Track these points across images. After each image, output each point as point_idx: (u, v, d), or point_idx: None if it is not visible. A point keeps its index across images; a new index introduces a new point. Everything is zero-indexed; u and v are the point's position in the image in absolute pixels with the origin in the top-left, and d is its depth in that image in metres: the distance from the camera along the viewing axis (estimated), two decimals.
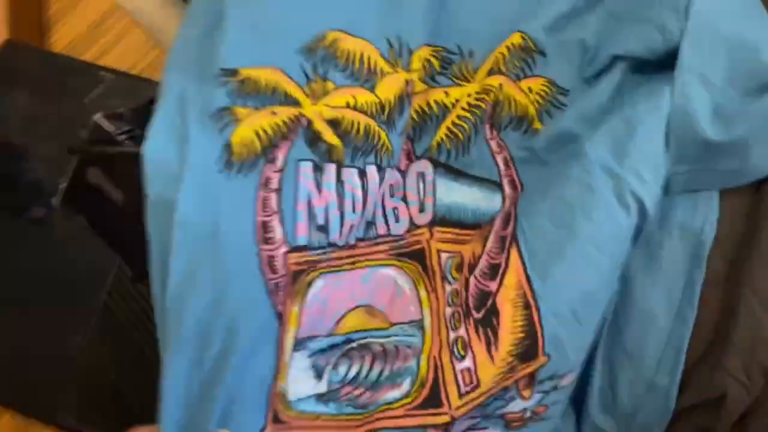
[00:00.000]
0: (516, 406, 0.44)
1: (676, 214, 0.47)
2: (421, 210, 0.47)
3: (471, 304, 0.44)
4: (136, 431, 0.40)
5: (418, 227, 0.46)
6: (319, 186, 0.44)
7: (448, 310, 0.44)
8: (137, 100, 0.48)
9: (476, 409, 0.43)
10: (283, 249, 0.43)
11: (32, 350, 0.55)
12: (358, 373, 0.42)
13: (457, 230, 0.46)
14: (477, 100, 0.48)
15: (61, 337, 0.54)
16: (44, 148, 0.55)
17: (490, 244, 0.45)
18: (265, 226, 0.43)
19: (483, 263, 0.45)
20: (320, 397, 0.42)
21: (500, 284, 0.43)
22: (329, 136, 0.46)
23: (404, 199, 0.47)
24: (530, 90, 0.49)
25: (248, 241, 0.42)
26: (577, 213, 0.43)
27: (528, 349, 0.42)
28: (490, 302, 0.43)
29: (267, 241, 0.43)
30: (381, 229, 0.46)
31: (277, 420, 0.42)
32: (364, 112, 0.47)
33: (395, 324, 0.44)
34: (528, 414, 0.45)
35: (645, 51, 0.46)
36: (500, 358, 0.42)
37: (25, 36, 0.60)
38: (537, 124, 0.48)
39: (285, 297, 0.42)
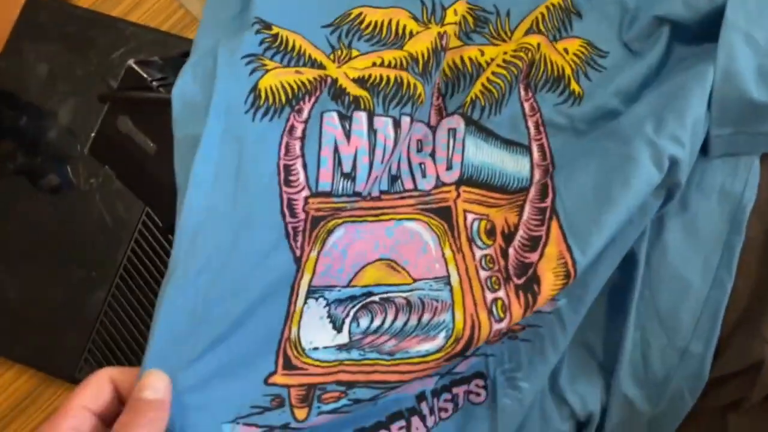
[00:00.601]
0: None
1: (715, 178, 0.46)
2: (449, 168, 0.46)
3: (512, 272, 0.43)
4: (105, 371, 0.39)
5: (445, 185, 0.46)
6: (348, 134, 0.44)
7: (483, 273, 0.43)
8: (170, 52, 0.48)
9: None
10: (305, 193, 0.43)
11: (54, 310, 0.54)
12: (381, 325, 0.42)
13: (483, 191, 0.46)
14: (513, 57, 0.47)
15: (83, 296, 0.53)
16: (67, 109, 0.55)
17: (527, 214, 0.44)
18: (288, 169, 0.43)
19: (522, 234, 0.44)
20: (342, 347, 0.42)
21: (541, 255, 0.42)
22: (355, 90, 0.46)
23: (432, 155, 0.46)
24: (567, 51, 0.48)
25: (271, 183, 0.42)
26: (616, 183, 0.42)
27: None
28: (531, 271, 0.42)
29: (289, 183, 0.43)
30: (408, 184, 0.46)
31: (290, 366, 0.41)
32: (394, 67, 0.46)
33: (419, 279, 0.43)
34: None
35: (687, 11, 0.45)
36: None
37: None
38: (574, 85, 0.48)
39: (303, 242, 0.42)
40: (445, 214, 0.45)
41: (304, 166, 0.43)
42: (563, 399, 0.46)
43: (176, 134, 0.44)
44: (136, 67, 0.43)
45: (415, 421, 0.43)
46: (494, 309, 0.42)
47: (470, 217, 0.45)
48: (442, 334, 0.41)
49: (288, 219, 0.42)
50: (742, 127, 0.45)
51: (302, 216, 0.42)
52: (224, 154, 0.43)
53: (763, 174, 0.47)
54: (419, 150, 0.46)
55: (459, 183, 0.46)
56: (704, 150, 0.46)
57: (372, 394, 0.41)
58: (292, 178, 0.43)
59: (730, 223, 0.45)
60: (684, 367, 0.46)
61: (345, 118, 0.44)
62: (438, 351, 0.41)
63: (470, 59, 0.48)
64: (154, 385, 0.38)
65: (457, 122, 0.47)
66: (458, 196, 0.45)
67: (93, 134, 0.46)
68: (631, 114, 0.44)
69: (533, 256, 0.43)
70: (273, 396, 0.41)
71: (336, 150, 0.44)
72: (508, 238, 0.44)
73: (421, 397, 0.43)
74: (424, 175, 0.46)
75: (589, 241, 0.41)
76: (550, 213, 0.43)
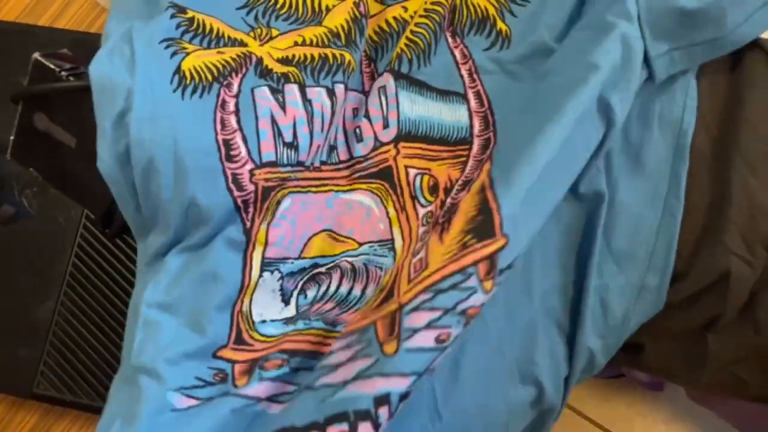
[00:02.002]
0: (477, 300, 0.38)
1: (653, 107, 0.45)
2: (386, 126, 0.45)
3: (439, 217, 0.41)
4: None
5: (383, 144, 0.45)
6: (282, 105, 0.43)
7: (422, 230, 0.43)
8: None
9: (429, 293, 0.37)
10: (249, 166, 0.41)
11: (2, 326, 0.52)
12: (326, 291, 0.41)
13: (423, 144, 0.45)
14: (434, 4, 0.47)
15: (32, 308, 0.51)
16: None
17: (468, 168, 0.44)
18: (228, 144, 0.41)
19: (461, 182, 0.43)
20: (288, 320, 0.41)
21: (468, 190, 0.41)
22: (281, 68, 0.44)
23: (367, 116, 0.45)
24: None
25: (212, 160, 0.41)
26: (548, 107, 0.40)
27: (483, 225, 0.37)
28: (455, 208, 0.40)
29: (231, 159, 0.41)
30: (343, 155, 0.45)
31: (240, 340, 0.40)
32: (316, 45, 0.46)
33: (364, 243, 0.42)
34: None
35: None
36: (450, 237, 0.38)
37: None
38: (500, 24, 0.47)
39: (254, 213, 0.41)
40: (385, 174, 0.44)
41: (244, 139, 0.42)
42: (532, 377, 0.44)
43: (99, 120, 0.42)
44: (42, 60, 0.42)
45: (365, 427, 0.36)
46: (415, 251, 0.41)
47: (412, 172, 0.44)
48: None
49: (236, 193, 0.41)
50: (677, 40, 0.44)
51: (251, 188, 0.41)
52: (157, 135, 0.41)
53: (703, 86, 0.46)
54: (355, 116, 0.46)
55: (397, 140, 0.45)
56: (648, 79, 0.45)
57: (310, 364, 0.40)
58: (233, 152, 0.41)
59: (674, 150, 0.45)
60: (641, 303, 0.45)
61: (277, 92, 0.43)
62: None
63: (395, 18, 0.48)
64: None
65: (386, 79, 0.46)
66: (398, 153, 0.44)
67: (12, 137, 0.44)
68: (564, 52, 0.44)
69: (462, 194, 0.41)
70: (217, 370, 0.40)
71: (273, 121, 0.43)
72: (449, 191, 0.44)
73: (382, 400, 0.36)
74: (360, 140, 0.45)
75: (511, 160, 0.39)
76: (486, 159, 0.42)
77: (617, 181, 0.45)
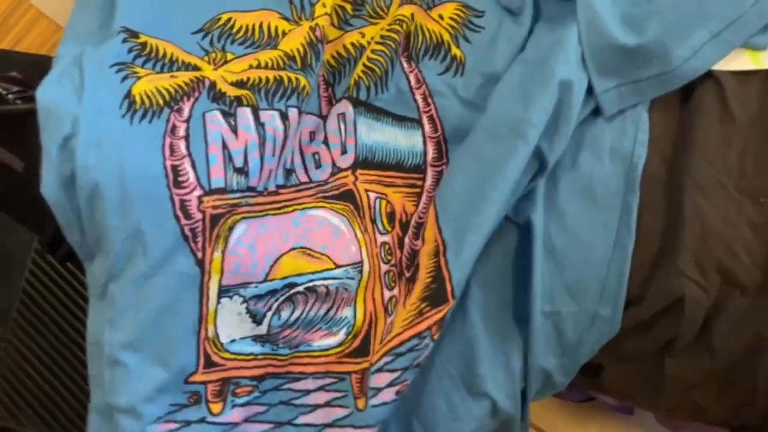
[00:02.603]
0: (428, 350, 0.43)
1: (604, 140, 0.46)
2: (343, 152, 0.45)
3: (404, 264, 0.44)
4: None
5: (341, 170, 0.45)
6: (234, 129, 0.43)
7: (383, 267, 0.44)
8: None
9: (390, 357, 0.42)
10: (197, 192, 0.41)
11: None
12: (299, 317, 0.41)
13: (379, 171, 0.45)
14: (389, 31, 0.47)
15: None
16: None
17: (422, 204, 0.45)
18: (176, 170, 0.41)
19: (413, 223, 0.45)
20: (257, 338, 0.41)
21: (423, 240, 0.44)
22: (234, 92, 0.44)
23: (325, 142, 0.46)
24: (441, 17, 0.48)
25: (159, 186, 0.40)
26: (491, 171, 0.43)
27: (436, 293, 0.42)
28: (417, 260, 0.44)
29: (179, 185, 0.41)
30: (302, 177, 0.45)
31: (210, 363, 0.41)
32: (271, 68, 0.46)
33: (341, 266, 0.42)
34: None
35: None
36: (410, 303, 0.42)
37: None
38: (455, 50, 0.48)
39: (204, 242, 0.41)
40: (348, 196, 0.44)
41: (193, 165, 0.41)
42: (479, 389, 0.45)
43: (45, 144, 0.42)
44: None
45: None
46: (389, 307, 0.43)
47: (372, 195, 0.44)
48: (344, 330, 0.42)
49: (183, 221, 0.41)
50: (624, 76, 0.45)
51: (198, 216, 0.41)
52: (102, 161, 0.41)
53: (656, 113, 0.47)
54: (312, 140, 0.46)
55: (354, 167, 0.45)
56: (598, 112, 0.46)
57: (278, 384, 0.41)
58: (181, 179, 0.41)
59: (624, 183, 0.45)
60: (595, 330, 0.46)
61: (229, 115, 0.43)
62: (338, 345, 0.42)
63: (352, 44, 0.48)
64: None
65: (345, 106, 0.46)
66: (356, 179, 0.45)
67: None
68: (501, 94, 0.44)
69: (418, 243, 0.44)
70: (191, 393, 0.41)
71: (224, 146, 0.42)
72: (405, 227, 0.45)
73: None
74: (318, 166, 0.45)
75: (460, 224, 0.42)
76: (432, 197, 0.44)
77: (564, 212, 0.45)
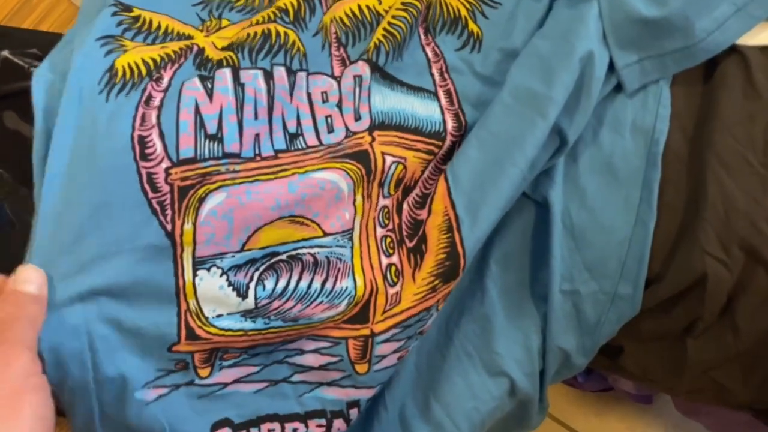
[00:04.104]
0: (432, 319, 0.43)
1: (626, 115, 0.45)
2: (357, 118, 0.44)
3: (405, 233, 0.43)
4: None
5: (356, 134, 0.43)
6: (210, 92, 0.41)
7: (379, 231, 0.43)
8: None
9: (399, 329, 0.42)
10: (164, 164, 0.40)
11: None
12: (286, 286, 0.40)
13: (399, 133, 0.44)
14: None
15: None
16: None
17: (427, 173, 0.44)
18: (143, 141, 0.40)
19: (416, 191, 0.44)
20: (247, 314, 0.40)
21: (429, 212, 0.43)
22: (220, 55, 0.43)
23: (339, 105, 0.44)
24: None
25: (127, 159, 0.39)
26: (509, 146, 0.42)
27: (450, 269, 0.41)
28: (421, 231, 0.43)
29: (145, 157, 0.40)
30: (310, 141, 0.43)
31: (194, 336, 0.40)
32: (261, 23, 0.45)
33: (329, 234, 0.41)
34: None
35: None
36: (421, 278, 0.42)
37: None
38: (472, 26, 0.47)
39: (174, 215, 0.39)
40: (361, 157, 0.42)
41: (161, 135, 0.40)
42: (497, 367, 0.45)
43: (37, 126, 0.41)
44: (11, 57, 0.42)
45: (338, 423, 0.42)
46: (388, 275, 0.42)
47: (389, 159, 0.43)
48: (345, 302, 0.41)
49: (151, 195, 0.39)
50: (646, 51, 0.44)
51: (166, 189, 0.40)
52: (78, 141, 0.40)
53: (677, 88, 0.46)
54: (324, 101, 0.44)
55: (371, 129, 0.44)
56: (619, 88, 0.45)
57: (270, 349, 0.41)
58: (148, 150, 0.40)
59: (646, 159, 0.45)
60: (615, 310, 0.45)
61: (206, 79, 0.42)
62: (338, 314, 0.41)
63: (368, 8, 0.47)
64: (32, 278, 0.37)
65: (362, 69, 0.45)
66: (373, 140, 0.43)
67: None
68: (520, 70, 0.44)
69: (423, 213, 0.43)
70: (177, 360, 0.40)
71: (197, 111, 0.41)
72: (406, 191, 0.44)
73: (353, 404, 0.42)
74: (331, 130, 0.44)
75: (474, 198, 0.42)
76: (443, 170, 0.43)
77: (585, 189, 0.45)
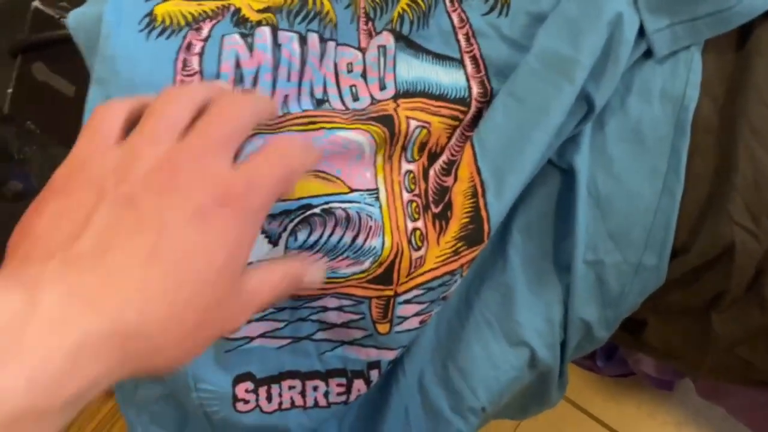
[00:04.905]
0: (456, 285, 0.43)
1: (655, 82, 0.44)
2: (382, 88, 0.44)
3: (431, 198, 0.43)
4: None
5: (381, 101, 0.44)
6: (251, 47, 0.42)
7: (406, 196, 0.43)
8: None
9: (421, 290, 0.42)
10: None
11: None
12: (318, 239, 0.40)
13: (423, 99, 0.44)
14: None
15: None
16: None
17: (454, 140, 0.44)
18: None
19: (443, 158, 0.44)
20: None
21: (455, 178, 0.43)
22: (258, 17, 0.44)
23: (363, 75, 0.44)
24: None
25: None
26: (535, 112, 0.42)
27: (473, 233, 0.41)
28: (447, 197, 0.43)
29: None
30: (336, 106, 0.43)
31: None
32: None
33: (355, 190, 0.41)
34: None
35: None
36: (445, 241, 0.42)
37: None
38: None
39: None
40: (386, 120, 0.42)
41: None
42: (518, 337, 0.44)
43: (88, 64, 0.42)
44: (42, 7, 0.42)
45: (359, 383, 0.43)
46: (413, 239, 0.42)
47: (413, 123, 0.43)
48: (370, 260, 0.41)
49: None
50: (678, 15, 0.43)
51: None
52: (116, 75, 0.40)
53: (708, 55, 0.45)
54: (349, 71, 0.44)
55: (396, 97, 0.44)
56: (649, 54, 0.44)
57: (295, 304, 0.42)
58: None
59: (674, 126, 0.44)
60: (639, 281, 0.44)
61: (247, 36, 0.42)
62: (362, 272, 0.41)
63: None
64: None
65: (387, 39, 0.45)
66: (397, 106, 0.43)
67: (9, 91, 0.44)
68: (548, 33, 0.43)
69: (449, 180, 0.43)
70: None
71: (238, 65, 0.41)
72: (433, 158, 0.44)
73: (374, 365, 0.43)
74: (356, 99, 0.44)
75: (499, 164, 0.41)
76: (471, 137, 0.43)
77: (611, 156, 0.44)
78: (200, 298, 0.28)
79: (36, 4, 0.42)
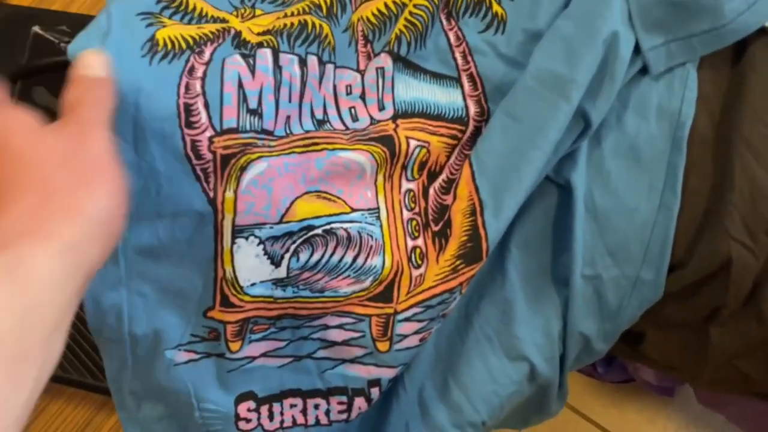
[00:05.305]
0: (455, 303, 0.43)
1: (651, 99, 0.45)
2: (381, 108, 0.45)
3: (430, 217, 0.44)
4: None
5: (380, 121, 0.44)
6: (252, 69, 0.42)
7: (406, 214, 0.43)
8: None
9: (420, 308, 0.42)
10: (209, 133, 0.40)
11: None
12: (320, 260, 0.41)
13: (422, 119, 0.44)
14: None
15: None
16: None
17: (453, 158, 0.45)
18: (188, 109, 0.40)
19: (443, 177, 0.44)
20: (278, 282, 0.41)
21: (455, 197, 0.43)
22: (258, 39, 0.44)
23: (362, 97, 0.45)
24: None
25: (172, 125, 0.40)
26: (532, 130, 0.42)
27: (472, 251, 0.42)
28: (447, 215, 0.43)
29: (191, 125, 0.40)
30: (337, 126, 0.44)
31: (227, 303, 0.41)
32: (296, 15, 0.46)
33: (355, 210, 0.42)
34: None
35: None
36: (444, 259, 0.42)
37: None
38: (496, 7, 0.47)
39: (216, 182, 0.40)
40: (386, 141, 0.43)
41: (206, 105, 0.41)
42: (517, 351, 0.45)
43: None
44: (42, 33, 0.42)
45: (359, 401, 0.43)
46: (413, 257, 0.43)
47: (413, 143, 0.43)
48: (371, 278, 0.42)
49: (195, 162, 0.40)
50: (672, 33, 0.44)
51: (209, 156, 0.40)
52: (120, 101, 0.40)
53: (704, 71, 0.45)
54: (348, 93, 0.45)
55: (395, 117, 0.44)
56: (645, 71, 0.45)
57: (296, 323, 0.42)
58: (193, 119, 0.41)
59: (671, 142, 0.44)
60: (637, 295, 0.45)
61: (248, 56, 0.43)
62: (362, 291, 0.42)
63: (394, 3, 0.47)
64: (94, 62, 0.38)
65: (385, 60, 0.45)
66: (396, 126, 0.44)
67: None
68: (544, 51, 0.44)
69: (448, 198, 0.43)
70: (210, 329, 0.41)
71: (240, 85, 0.42)
72: (432, 177, 0.45)
73: (374, 382, 0.43)
74: (355, 119, 0.44)
75: (497, 183, 0.42)
76: (468, 156, 0.43)
77: (608, 172, 0.44)
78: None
79: (36, 29, 0.42)
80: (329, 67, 0.45)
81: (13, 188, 0.32)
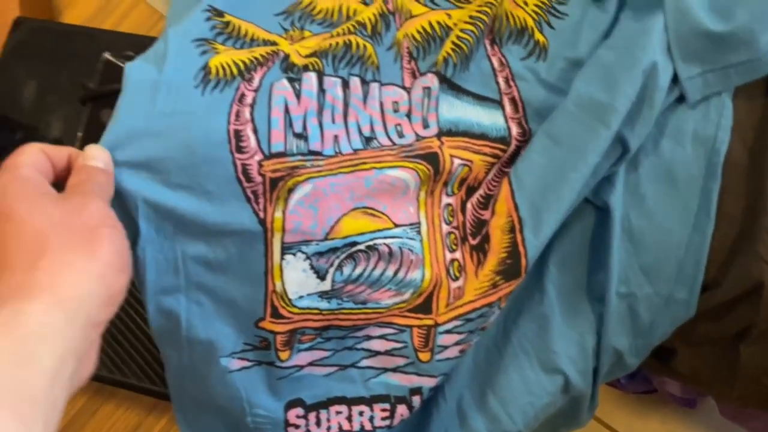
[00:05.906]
0: (494, 317, 0.45)
1: (687, 125, 0.46)
2: (425, 126, 0.46)
3: (468, 230, 0.46)
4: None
5: (425, 138, 0.46)
6: (298, 93, 0.45)
7: (445, 228, 0.45)
8: None
9: (460, 321, 0.44)
10: (258, 157, 0.43)
11: None
12: (362, 273, 0.43)
13: (466, 138, 0.46)
14: (479, 13, 0.48)
15: None
16: (58, 119, 0.55)
17: (491, 175, 0.46)
18: (238, 135, 0.43)
19: (480, 192, 0.46)
20: (323, 295, 0.43)
21: (493, 213, 0.45)
22: (305, 61, 0.47)
23: (408, 114, 0.47)
24: (526, 3, 0.50)
25: (223, 151, 0.43)
26: (572, 153, 0.44)
27: (511, 268, 0.44)
28: (485, 230, 0.45)
29: (240, 150, 0.43)
30: (384, 142, 0.46)
31: (277, 315, 0.43)
32: (342, 35, 0.48)
33: (399, 225, 0.44)
34: None
35: None
36: (483, 274, 0.44)
37: (36, 17, 0.61)
38: (538, 35, 0.49)
39: (266, 203, 0.43)
40: (431, 158, 0.45)
41: (255, 130, 0.43)
42: (553, 365, 0.46)
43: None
44: (112, 59, 0.45)
45: (401, 408, 0.45)
46: (451, 270, 0.45)
47: (456, 162, 0.45)
48: (411, 291, 0.44)
49: (245, 184, 0.43)
50: (709, 63, 0.45)
51: (259, 179, 0.43)
52: (173, 130, 0.43)
53: (740, 100, 0.47)
54: (395, 111, 0.47)
55: (439, 135, 0.46)
56: (682, 99, 0.46)
57: (341, 334, 0.44)
58: (242, 144, 0.43)
59: (706, 168, 0.46)
60: (669, 313, 0.46)
61: (294, 80, 0.45)
62: (402, 302, 0.44)
63: (438, 23, 0.49)
64: (99, 156, 0.41)
65: (431, 80, 0.47)
66: (441, 144, 0.46)
67: (80, 133, 0.47)
68: (585, 78, 0.45)
69: (486, 214, 0.45)
70: (261, 338, 0.44)
71: (287, 111, 0.44)
72: (470, 192, 0.46)
73: (416, 391, 0.45)
74: (401, 136, 0.46)
75: (537, 204, 0.44)
76: (507, 174, 0.45)
77: (644, 196, 0.46)
78: None
79: (106, 55, 0.44)
80: (374, 86, 0.47)
81: (14, 248, 0.34)
